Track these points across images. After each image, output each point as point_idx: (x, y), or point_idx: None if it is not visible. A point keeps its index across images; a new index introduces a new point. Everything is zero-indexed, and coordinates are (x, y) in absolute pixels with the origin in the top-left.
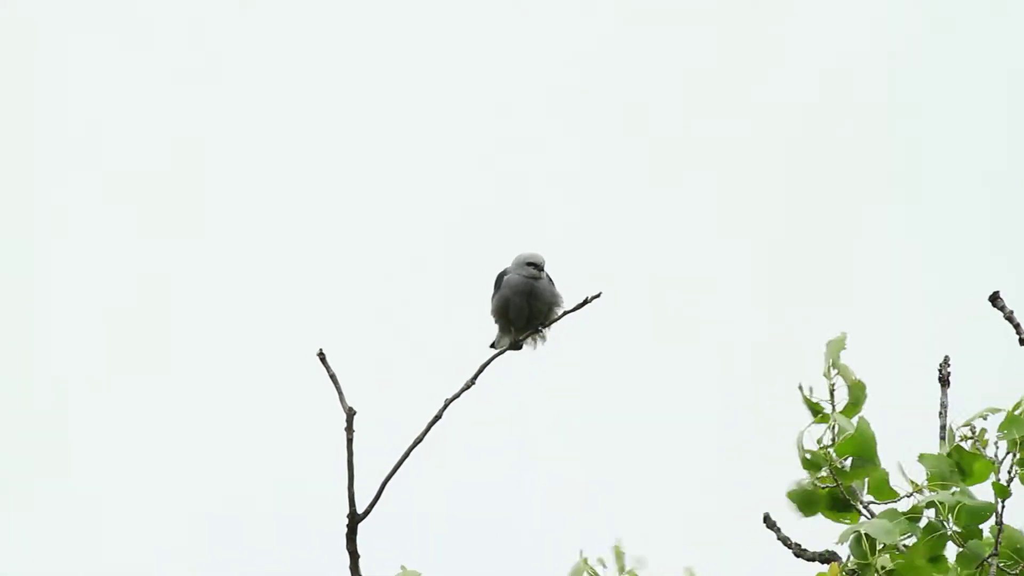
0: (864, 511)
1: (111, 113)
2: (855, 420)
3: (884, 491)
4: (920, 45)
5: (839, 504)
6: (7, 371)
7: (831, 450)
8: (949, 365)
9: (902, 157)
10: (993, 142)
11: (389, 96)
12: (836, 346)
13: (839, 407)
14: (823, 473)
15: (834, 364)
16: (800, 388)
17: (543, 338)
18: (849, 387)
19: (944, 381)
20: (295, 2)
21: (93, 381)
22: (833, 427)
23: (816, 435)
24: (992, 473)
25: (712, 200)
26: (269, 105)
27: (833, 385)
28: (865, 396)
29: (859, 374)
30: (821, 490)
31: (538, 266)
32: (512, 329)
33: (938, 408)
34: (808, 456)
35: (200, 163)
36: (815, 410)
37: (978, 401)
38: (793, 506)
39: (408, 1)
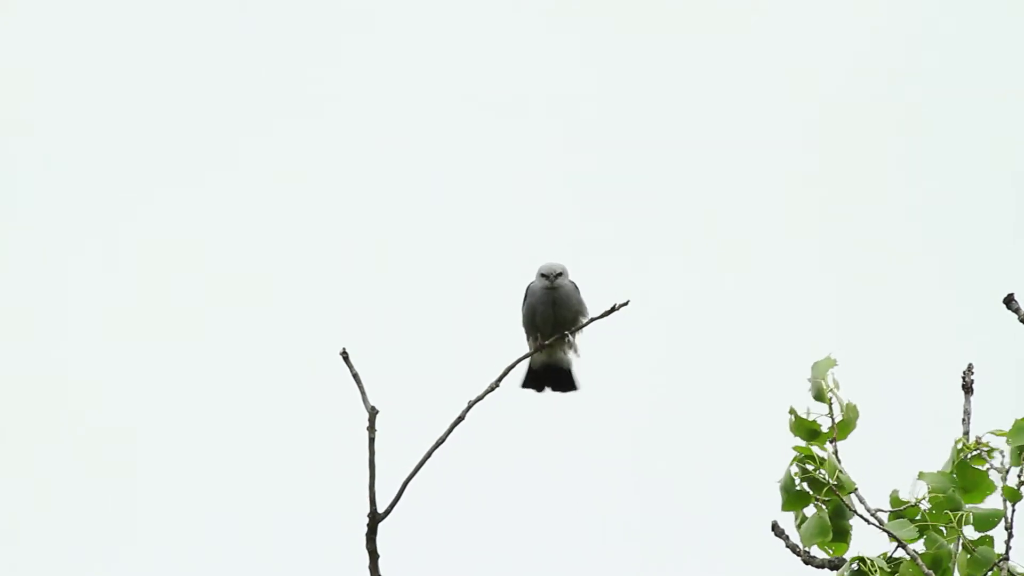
0: (872, 519)
1: (122, 113)
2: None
3: (897, 501)
4: (920, 46)
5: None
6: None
7: (823, 472)
8: (972, 372)
9: (901, 160)
10: (996, 143)
11: (413, 93)
12: (825, 367)
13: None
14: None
15: (829, 386)
16: (793, 411)
17: (575, 350)
18: (842, 409)
19: (967, 388)
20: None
21: (111, 377)
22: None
23: (795, 468)
24: (1000, 481)
25: (711, 202)
26: (290, 104)
27: (831, 402)
28: (857, 418)
29: (852, 392)
30: (826, 521)
31: (549, 276)
32: (539, 335)
33: (961, 415)
34: (799, 488)
35: (220, 158)
36: (812, 430)
37: (999, 405)
38: (807, 538)
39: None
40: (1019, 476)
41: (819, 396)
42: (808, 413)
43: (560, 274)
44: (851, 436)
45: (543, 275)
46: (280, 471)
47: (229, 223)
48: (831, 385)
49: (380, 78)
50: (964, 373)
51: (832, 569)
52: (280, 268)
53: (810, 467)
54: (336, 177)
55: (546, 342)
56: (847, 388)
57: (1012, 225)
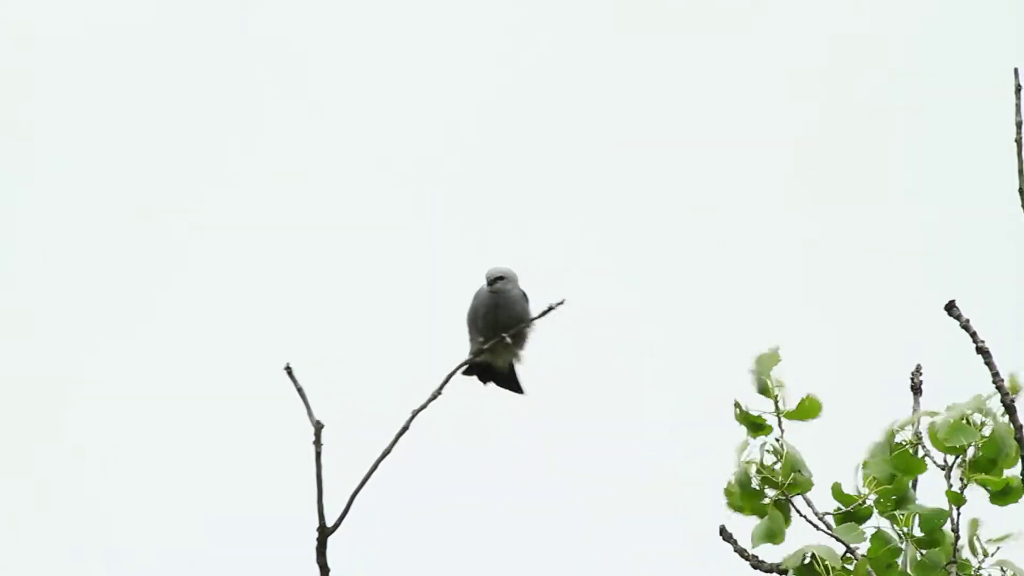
0: (819, 523)
1: (121, 113)
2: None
3: (845, 498)
4: (920, 46)
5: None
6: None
7: (778, 467)
8: (921, 374)
9: (901, 160)
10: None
11: (408, 92)
12: (770, 361)
13: (783, 421)
14: (769, 494)
15: (776, 381)
16: (737, 404)
17: (517, 356)
18: (784, 403)
19: (916, 389)
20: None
21: (62, 389)
22: (777, 445)
23: (752, 453)
24: (940, 477)
25: (709, 201)
26: (245, 104)
27: (777, 398)
28: (819, 410)
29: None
30: (780, 520)
31: (488, 280)
32: (481, 339)
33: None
34: (753, 485)
35: (174, 171)
36: (756, 424)
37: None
38: (757, 538)
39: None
40: (962, 480)
41: (763, 391)
42: (749, 408)
43: (501, 278)
44: (804, 431)
45: (486, 278)
46: (227, 487)
47: (226, 223)
48: (775, 381)
49: (378, 79)
50: (912, 374)
51: (781, 574)
52: (225, 280)
53: (769, 461)
54: (279, 189)
55: (485, 346)
56: (838, 386)
57: (1011, 224)
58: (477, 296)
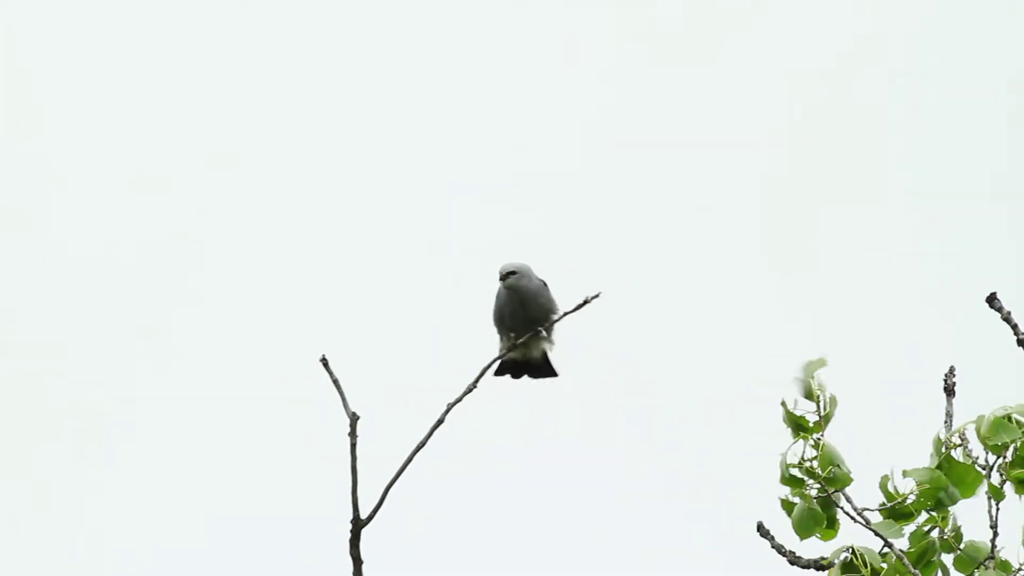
0: (859, 518)
1: (108, 113)
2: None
3: (889, 494)
4: (920, 46)
5: (829, 521)
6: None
7: (815, 463)
8: (954, 375)
9: (901, 160)
10: (995, 144)
11: (396, 97)
12: (815, 367)
13: (821, 423)
14: (811, 491)
15: (816, 386)
16: (783, 404)
17: (550, 342)
18: (827, 406)
19: (949, 391)
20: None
21: (87, 383)
22: (816, 444)
23: (795, 451)
24: (984, 479)
25: (706, 201)
26: (273, 105)
27: (819, 400)
28: (834, 409)
29: (835, 388)
30: (819, 511)
31: (501, 276)
32: (512, 335)
33: (943, 418)
34: (792, 473)
35: (198, 161)
36: (800, 425)
37: (983, 405)
38: (795, 529)
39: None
40: (1000, 474)
41: (808, 394)
42: (796, 407)
43: (513, 273)
44: (835, 431)
45: (498, 274)
46: (262, 478)
47: (224, 222)
48: (818, 385)
49: (374, 79)
50: (946, 376)
51: (818, 570)
52: (260, 272)
53: (808, 455)
54: (313, 180)
55: (519, 341)
56: (841, 387)
57: (1013, 224)
58: (498, 296)
